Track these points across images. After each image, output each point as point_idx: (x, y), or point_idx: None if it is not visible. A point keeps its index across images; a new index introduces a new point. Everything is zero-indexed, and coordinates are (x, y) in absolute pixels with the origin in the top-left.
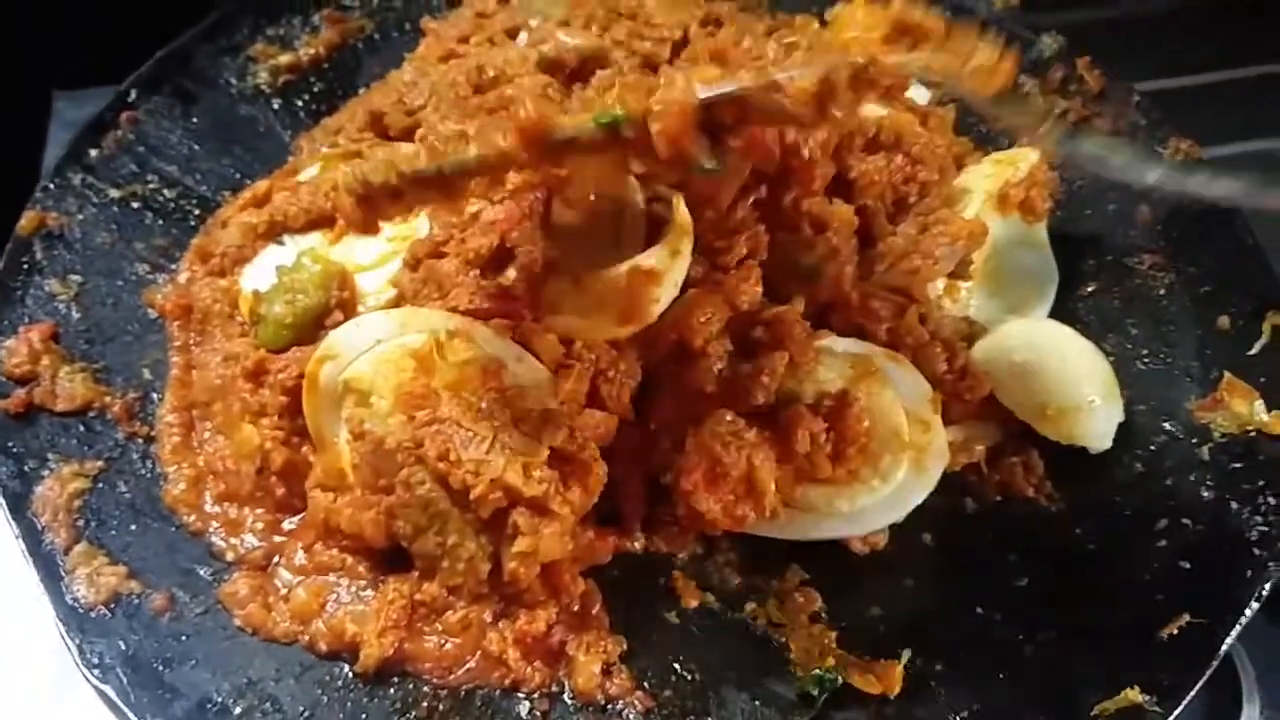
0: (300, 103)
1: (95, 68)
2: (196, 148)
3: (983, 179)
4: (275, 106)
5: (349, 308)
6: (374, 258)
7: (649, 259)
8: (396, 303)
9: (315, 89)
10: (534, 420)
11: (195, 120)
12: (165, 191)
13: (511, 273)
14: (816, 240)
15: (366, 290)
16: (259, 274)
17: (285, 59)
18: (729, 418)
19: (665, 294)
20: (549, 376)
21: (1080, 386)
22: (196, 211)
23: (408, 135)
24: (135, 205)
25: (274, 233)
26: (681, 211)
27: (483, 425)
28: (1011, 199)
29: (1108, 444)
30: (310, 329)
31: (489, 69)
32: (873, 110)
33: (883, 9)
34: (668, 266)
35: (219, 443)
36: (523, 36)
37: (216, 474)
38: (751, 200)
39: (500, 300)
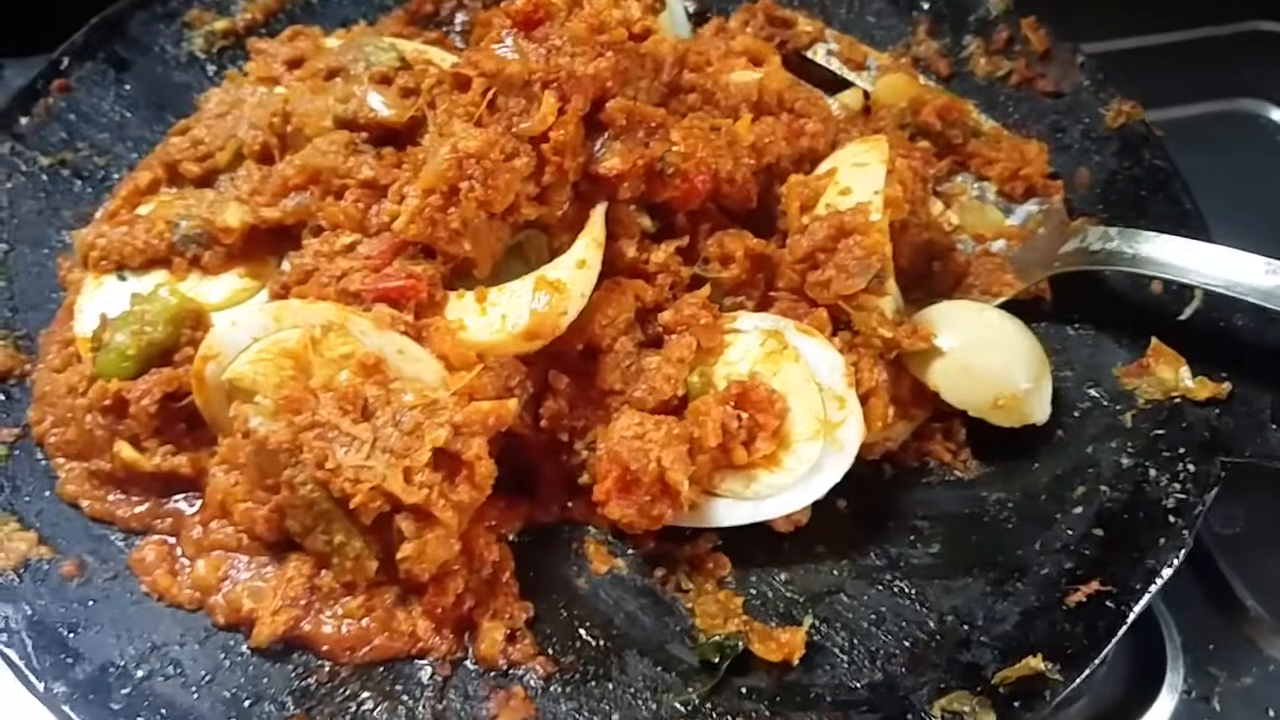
0: (236, 69)
1: (38, 35)
2: (129, 115)
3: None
4: (210, 73)
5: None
6: (225, 295)
7: (555, 270)
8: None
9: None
10: (416, 415)
11: (128, 88)
12: (96, 159)
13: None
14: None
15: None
16: (94, 308)
17: (221, 25)
18: (636, 420)
19: (573, 307)
20: (438, 369)
21: (1016, 374)
22: None
23: (207, 182)
24: (65, 173)
25: (113, 267)
26: (596, 221)
27: (361, 428)
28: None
29: (1048, 413)
30: (153, 364)
31: (293, 118)
32: (746, 75)
33: None
34: (575, 279)
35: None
36: (338, 83)
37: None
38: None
39: (399, 278)
